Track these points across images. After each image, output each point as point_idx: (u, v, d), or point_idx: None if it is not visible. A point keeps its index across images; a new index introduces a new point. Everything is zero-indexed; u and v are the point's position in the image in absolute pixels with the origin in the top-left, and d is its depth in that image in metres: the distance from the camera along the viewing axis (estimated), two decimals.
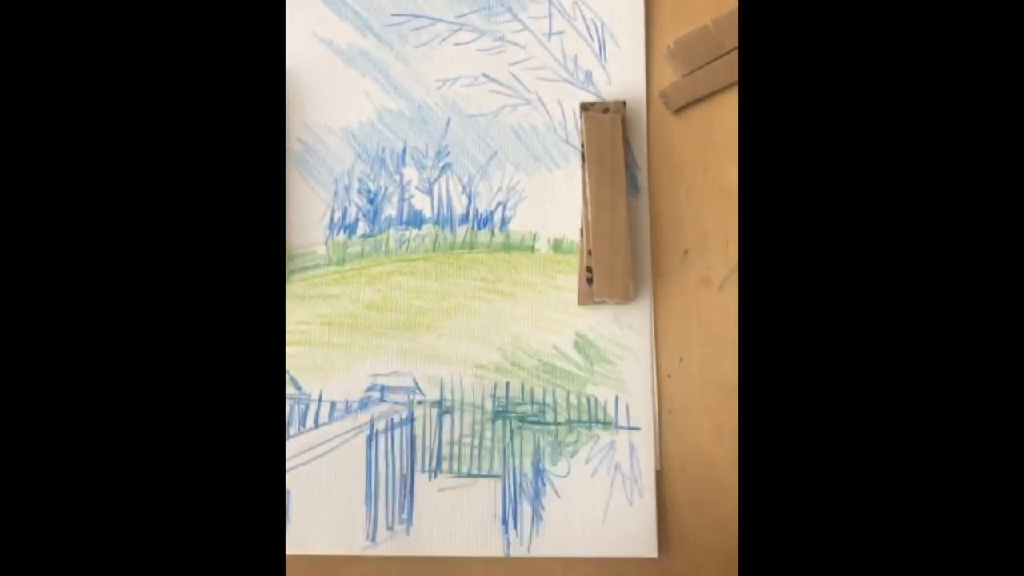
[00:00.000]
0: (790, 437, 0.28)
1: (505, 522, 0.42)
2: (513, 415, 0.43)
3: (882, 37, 0.29)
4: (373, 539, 0.42)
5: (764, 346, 0.29)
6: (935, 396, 0.28)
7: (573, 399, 0.43)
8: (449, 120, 0.46)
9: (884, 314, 0.28)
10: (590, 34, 0.46)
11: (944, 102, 0.28)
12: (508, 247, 0.45)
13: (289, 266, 0.44)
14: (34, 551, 0.27)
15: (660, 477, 0.43)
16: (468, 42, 0.46)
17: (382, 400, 0.43)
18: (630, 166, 0.45)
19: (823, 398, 0.28)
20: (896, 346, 0.28)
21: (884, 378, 0.28)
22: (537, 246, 0.44)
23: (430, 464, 0.42)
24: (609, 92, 0.46)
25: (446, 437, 0.43)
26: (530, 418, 0.43)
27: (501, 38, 0.46)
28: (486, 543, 0.42)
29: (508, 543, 0.42)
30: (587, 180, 0.44)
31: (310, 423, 0.43)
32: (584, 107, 0.45)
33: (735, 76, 0.45)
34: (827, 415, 0.28)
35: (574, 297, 0.44)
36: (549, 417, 0.43)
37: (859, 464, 0.28)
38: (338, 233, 0.45)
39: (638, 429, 0.43)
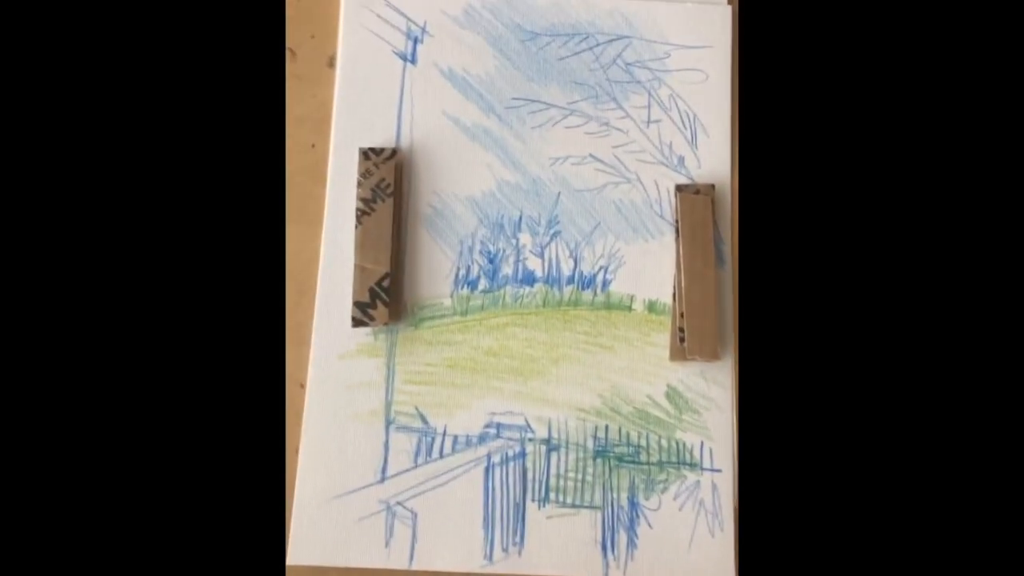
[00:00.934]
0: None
1: (604, 547, 0.48)
2: (612, 455, 0.49)
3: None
4: (490, 558, 0.48)
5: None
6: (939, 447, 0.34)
7: (664, 443, 0.49)
8: (559, 193, 0.52)
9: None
10: (683, 124, 0.53)
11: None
12: (608, 306, 0.51)
13: (419, 315, 0.50)
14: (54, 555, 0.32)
15: (738, 513, 0.49)
16: (578, 126, 0.53)
17: (498, 436, 0.49)
18: (717, 241, 0.51)
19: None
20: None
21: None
22: (634, 306, 0.51)
23: (539, 494, 0.48)
24: (699, 175, 0.53)
25: (553, 471, 0.49)
26: (626, 458, 0.49)
27: (607, 124, 0.53)
28: (587, 565, 0.48)
29: (606, 566, 0.48)
30: (681, 252, 0.50)
31: (435, 454, 0.49)
32: (679, 188, 0.52)
33: None
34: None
35: (666, 353, 0.50)
36: (643, 457, 0.49)
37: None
38: (462, 288, 0.51)
39: (720, 471, 0.49)
